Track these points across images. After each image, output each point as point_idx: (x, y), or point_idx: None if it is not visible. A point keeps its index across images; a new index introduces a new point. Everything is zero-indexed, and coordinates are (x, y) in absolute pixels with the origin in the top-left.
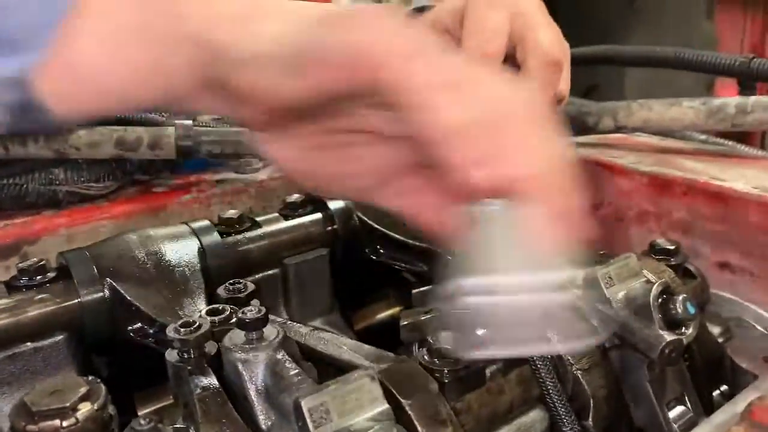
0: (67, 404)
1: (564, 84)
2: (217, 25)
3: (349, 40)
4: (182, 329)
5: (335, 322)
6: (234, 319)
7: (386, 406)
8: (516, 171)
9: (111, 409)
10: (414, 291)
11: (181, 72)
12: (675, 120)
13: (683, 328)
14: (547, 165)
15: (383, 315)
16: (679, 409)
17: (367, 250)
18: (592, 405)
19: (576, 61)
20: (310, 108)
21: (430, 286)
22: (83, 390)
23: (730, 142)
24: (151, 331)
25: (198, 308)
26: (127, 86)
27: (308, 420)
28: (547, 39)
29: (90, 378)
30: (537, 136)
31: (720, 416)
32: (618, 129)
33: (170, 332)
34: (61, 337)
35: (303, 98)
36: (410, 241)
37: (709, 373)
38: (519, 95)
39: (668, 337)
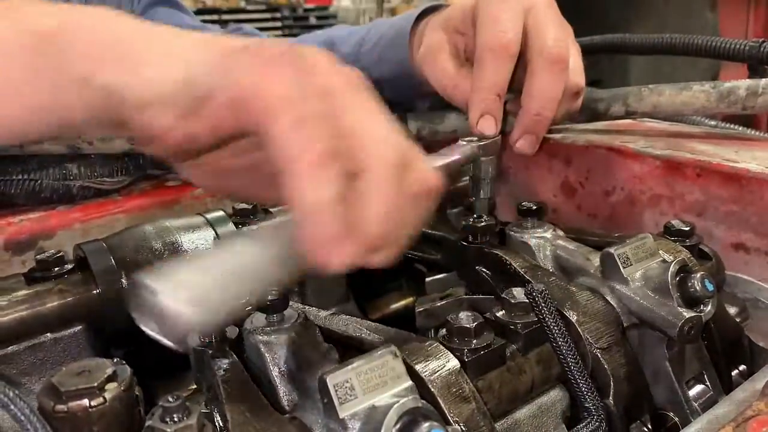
0: (95, 384)
1: (577, 76)
2: (105, 67)
3: (232, 85)
4: None
5: (350, 311)
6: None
7: (410, 382)
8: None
9: (137, 390)
10: (428, 279)
11: (75, 110)
12: (686, 104)
13: (701, 305)
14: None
15: (397, 305)
16: (698, 387)
17: None
18: (612, 384)
19: (582, 52)
20: (209, 144)
21: (444, 274)
22: (110, 371)
23: (740, 127)
24: None
25: None
26: (18, 122)
27: (334, 396)
28: (552, 38)
29: (115, 360)
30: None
31: (740, 393)
32: (628, 114)
33: None
34: (80, 327)
35: (199, 138)
36: (423, 229)
37: (728, 352)
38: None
39: (687, 314)
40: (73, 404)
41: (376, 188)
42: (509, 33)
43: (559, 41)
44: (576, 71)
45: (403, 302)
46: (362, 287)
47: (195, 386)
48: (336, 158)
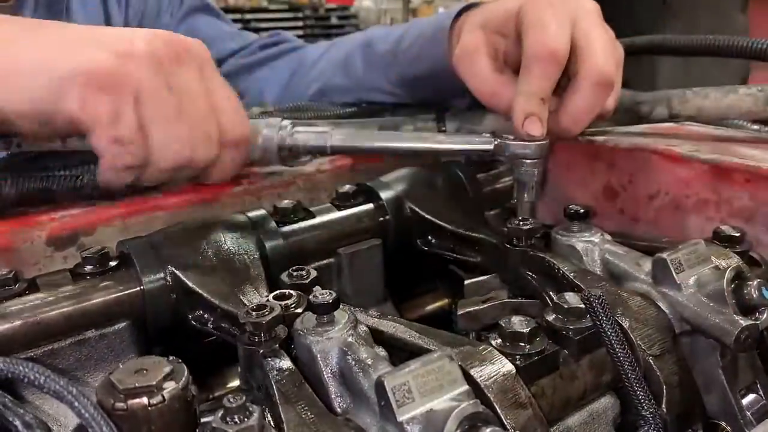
0: (153, 383)
1: (612, 100)
2: None
3: (65, 112)
4: (254, 312)
5: (388, 312)
6: (302, 304)
7: (467, 386)
8: None
9: (193, 389)
10: (467, 281)
11: None
12: (731, 107)
13: (757, 313)
14: None
15: (432, 307)
16: (751, 397)
17: (418, 241)
18: (665, 391)
19: (626, 52)
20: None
21: (484, 277)
22: (167, 369)
23: None
24: (213, 318)
25: (260, 295)
26: None
27: (392, 399)
28: (602, 55)
29: (171, 358)
30: None
31: None
32: (672, 117)
33: (242, 316)
34: (124, 324)
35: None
36: (463, 231)
37: None
38: None
39: (744, 322)
40: (132, 402)
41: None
42: (558, 41)
43: (609, 61)
44: (614, 95)
45: (438, 304)
46: (397, 288)
47: (233, 384)
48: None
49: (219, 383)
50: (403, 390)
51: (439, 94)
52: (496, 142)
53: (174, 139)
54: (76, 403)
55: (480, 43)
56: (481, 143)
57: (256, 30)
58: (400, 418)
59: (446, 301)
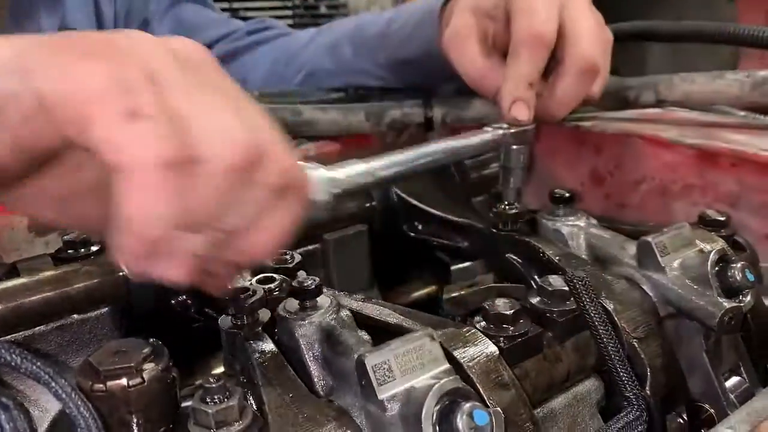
0: (133, 364)
1: (598, 86)
2: None
3: (30, 91)
4: (237, 296)
5: (374, 298)
6: (286, 288)
7: (447, 365)
8: None
9: (174, 371)
10: (454, 267)
11: None
12: (718, 93)
13: (741, 296)
14: None
15: (419, 293)
16: (735, 379)
17: (404, 227)
18: (649, 374)
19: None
20: (19, 168)
21: (471, 262)
22: (147, 350)
23: None
24: (196, 302)
25: (243, 279)
26: None
27: (372, 378)
28: (589, 41)
29: (152, 340)
30: None
31: None
32: (659, 103)
33: (225, 299)
34: (106, 309)
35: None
36: (450, 217)
37: (763, 344)
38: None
39: (727, 304)
40: (111, 383)
41: (207, 188)
42: (546, 25)
43: (595, 47)
44: (599, 82)
45: (425, 290)
46: (383, 275)
47: (217, 369)
48: (179, 158)
49: (203, 370)
50: (383, 369)
51: (427, 78)
52: (500, 132)
53: (221, 123)
54: (53, 384)
55: (470, 26)
56: (491, 134)
57: (244, 19)
58: (381, 397)
59: (433, 287)
